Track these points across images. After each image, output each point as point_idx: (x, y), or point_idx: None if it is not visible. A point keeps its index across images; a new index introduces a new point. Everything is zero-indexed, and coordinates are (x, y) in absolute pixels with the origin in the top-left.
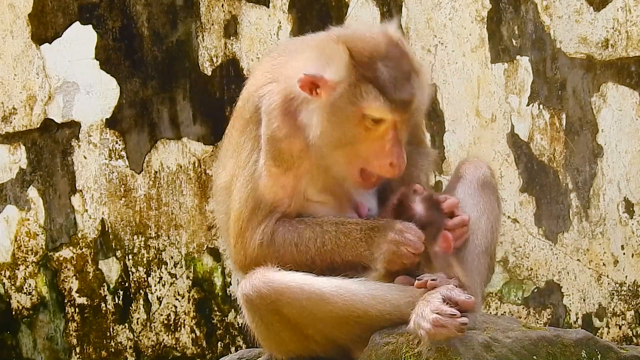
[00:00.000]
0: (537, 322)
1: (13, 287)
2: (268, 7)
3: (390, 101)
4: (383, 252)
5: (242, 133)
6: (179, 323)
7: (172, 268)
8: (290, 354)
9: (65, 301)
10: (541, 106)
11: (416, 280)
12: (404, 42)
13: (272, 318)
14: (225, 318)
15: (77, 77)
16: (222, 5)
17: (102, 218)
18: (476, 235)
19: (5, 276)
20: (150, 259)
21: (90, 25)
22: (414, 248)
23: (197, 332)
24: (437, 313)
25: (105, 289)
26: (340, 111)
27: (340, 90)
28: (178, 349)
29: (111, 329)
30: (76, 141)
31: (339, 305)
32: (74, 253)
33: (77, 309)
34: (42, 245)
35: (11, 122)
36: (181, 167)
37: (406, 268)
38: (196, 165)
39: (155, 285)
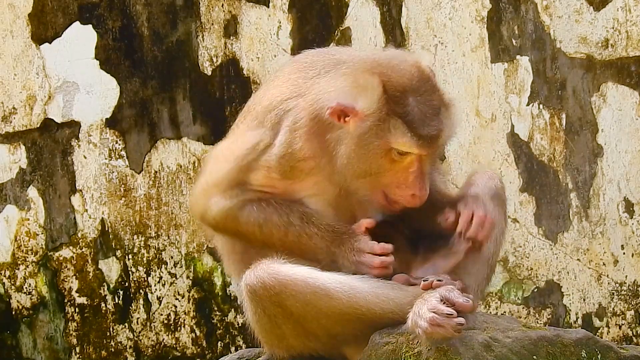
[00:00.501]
0: (537, 322)
1: (13, 287)
2: (268, 7)
3: (417, 137)
4: (350, 270)
5: (250, 129)
6: (179, 323)
7: (172, 268)
8: (291, 350)
9: (65, 301)
10: (541, 106)
11: (422, 281)
12: (435, 76)
13: (274, 310)
14: (225, 318)
15: (77, 77)
16: (222, 5)
17: (102, 218)
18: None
19: (5, 276)
20: (150, 258)
21: (90, 25)
22: (381, 268)
23: (197, 332)
24: (433, 312)
25: (105, 289)
26: (368, 143)
27: (369, 123)
28: (178, 348)
29: (111, 329)
30: (76, 141)
31: (343, 302)
32: (73, 253)
33: (77, 309)
34: (42, 245)
35: (11, 122)
36: (181, 167)
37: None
38: (196, 165)
39: (155, 285)
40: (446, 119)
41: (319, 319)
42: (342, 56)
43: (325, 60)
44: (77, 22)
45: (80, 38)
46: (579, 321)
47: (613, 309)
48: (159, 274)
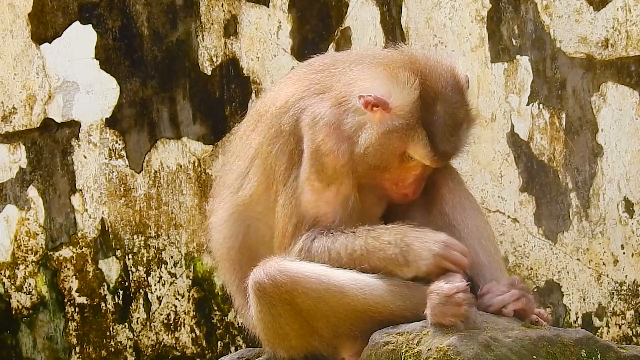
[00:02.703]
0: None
1: (13, 287)
2: (268, 6)
3: (434, 151)
4: (424, 262)
5: (272, 143)
6: (179, 322)
7: (172, 267)
8: (291, 350)
9: (65, 301)
10: (541, 106)
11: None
12: (469, 86)
13: (282, 308)
14: (225, 317)
15: (77, 77)
16: (222, 4)
17: (102, 217)
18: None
19: (5, 276)
20: (150, 258)
21: (90, 25)
22: (460, 264)
23: (197, 332)
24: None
25: (105, 289)
26: (388, 140)
27: (396, 123)
28: (178, 348)
29: (111, 329)
30: (76, 141)
31: (358, 299)
32: (73, 252)
33: (76, 309)
34: (42, 244)
35: (11, 122)
36: (181, 166)
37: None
38: (196, 164)
39: (155, 285)
40: (464, 136)
41: (329, 317)
42: (367, 52)
43: (347, 57)
44: (77, 22)
45: (80, 38)
46: (579, 321)
47: (613, 308)
48: (159, 274)
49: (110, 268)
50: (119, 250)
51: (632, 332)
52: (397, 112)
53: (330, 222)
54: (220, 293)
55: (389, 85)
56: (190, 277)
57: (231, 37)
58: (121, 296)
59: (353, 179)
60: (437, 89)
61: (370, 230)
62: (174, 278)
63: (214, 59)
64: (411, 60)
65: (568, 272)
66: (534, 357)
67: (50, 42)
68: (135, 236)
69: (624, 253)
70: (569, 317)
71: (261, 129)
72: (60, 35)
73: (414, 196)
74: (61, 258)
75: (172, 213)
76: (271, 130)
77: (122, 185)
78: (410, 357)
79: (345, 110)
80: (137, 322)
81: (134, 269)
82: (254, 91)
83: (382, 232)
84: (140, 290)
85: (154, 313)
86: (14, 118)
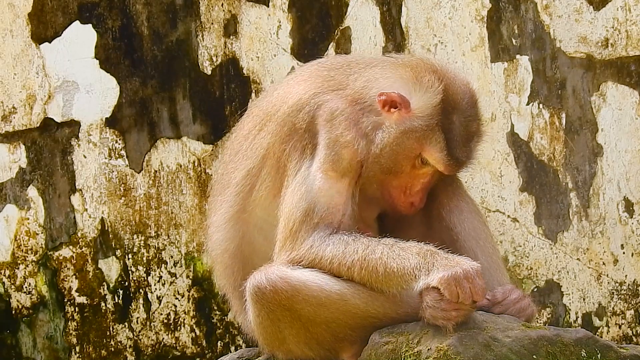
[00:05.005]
0: (537, 321)
1: (13, 287)
2: (268, 6)
3: (449, 157)
4: (441, 277)
5: (285, 141)
6: (179, 322)
7: (171, 267)
8: (289, 354)
9: (65, 300)
10: (541, 105)
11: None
12: (479, 102)
13: (281, 314)
14: (225, 317)
15: (76, 77)
16: (222, 4)
17: (102, 217)
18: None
19: (5, 275)
20: (150, 258)
21: (90, 25)
22: (475, 293)
23: (197, 332)
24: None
25: (105, 288)
26: (404, 141)
27: (415, 124)
28: (178, 348)
29: (111, 328)
30: (76, 140)
31: (360, 308)
32: (73, 252)
33: (76, 308)
34: (41, 244)
35: (11, 122)
36: (181, 166)
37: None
38: (196, 164)
39: (155, 285)
40: (475, 149)
41: (329, 323)
42: (384, 56)
43: (363, 59)
44: (77, 22)
45: (80, 37)
46: (579, 320)
47: (613, 308)
48: (159, 274)
49: (110, 268)
50: (118, 250)
51: (632, 332)
52: (417, 114)
53: (340, 215)
54: (220, 293)
55: (411, 86)
56: (190, 277)
57: (231, 37)
58: (121, 296)
59: (359, 183)
60: (456, 99)
61: (397, 241)
62: (174, 278)
63: (214, 59)
64: (433, 68)
65: (568, 272)
66: (534, 357)
67: (50, 42)
68: (135, 236)
69: (624, 253)
70: (569, 317)
71: (272, 128)
72: (60, 35)
73: (420, 205)
74: (61, 258)
75: (172, 213)
76: (284, 128)
77: (122, 185)
78: (410, 357)
79: (362, 109)
80: (137, 321)
81: (133, 269)
82: (253, 91)
83: (411, 245)
84: (140, 290)
85: (153, 313)
86: (14, 118)
